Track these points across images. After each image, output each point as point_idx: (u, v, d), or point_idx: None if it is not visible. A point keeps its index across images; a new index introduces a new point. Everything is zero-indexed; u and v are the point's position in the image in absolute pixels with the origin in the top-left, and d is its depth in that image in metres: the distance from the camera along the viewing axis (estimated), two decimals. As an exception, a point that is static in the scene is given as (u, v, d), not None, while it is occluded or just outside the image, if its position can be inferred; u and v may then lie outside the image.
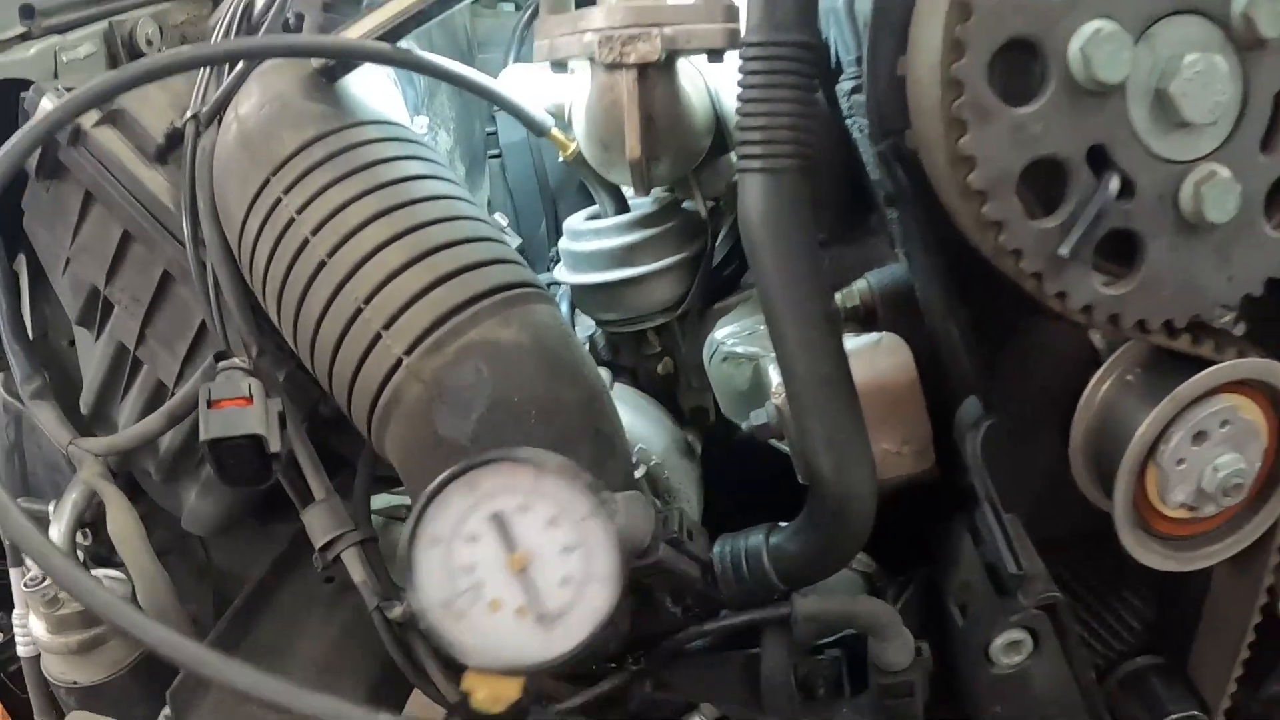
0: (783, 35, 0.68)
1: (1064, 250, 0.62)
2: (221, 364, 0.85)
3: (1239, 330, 0.78)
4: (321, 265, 0.79)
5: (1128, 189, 0.63)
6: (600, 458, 0.76)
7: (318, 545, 0.89)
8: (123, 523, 1.00)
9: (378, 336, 0.76)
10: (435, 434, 0.74)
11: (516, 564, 0.66)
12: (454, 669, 0.92)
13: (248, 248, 0.85)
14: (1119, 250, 0.65)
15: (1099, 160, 0.63)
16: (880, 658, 0.79)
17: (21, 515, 0.66)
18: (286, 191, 0.82)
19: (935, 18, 0.61)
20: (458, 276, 0.77)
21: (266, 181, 0.83)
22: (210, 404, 0.81)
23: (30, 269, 1.17)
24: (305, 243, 0.80)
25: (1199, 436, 0.73)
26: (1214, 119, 0.63)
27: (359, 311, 0.77)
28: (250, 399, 0.81)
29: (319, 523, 0.88)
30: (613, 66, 0.82)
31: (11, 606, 2.09)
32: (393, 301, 0.76)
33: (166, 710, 0.94)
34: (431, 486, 0.66)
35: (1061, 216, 0.63)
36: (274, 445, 0.81)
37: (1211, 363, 0.72)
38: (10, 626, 2.00)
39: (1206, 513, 0.77)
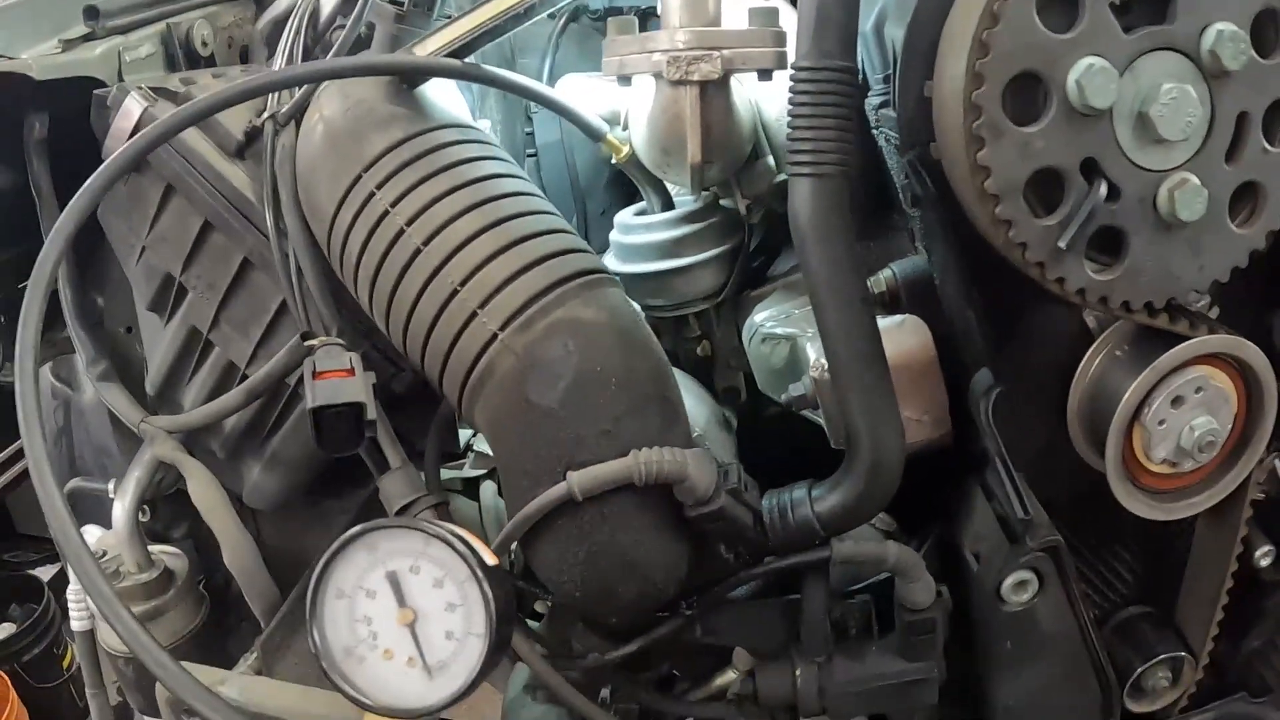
0: (828, 61, 0.86)
1: (1062, 243, 0.79)
2: (319, 340, 1.00)
3: (1213, 313, 0.98)
4: (417, 252, 0.94)
5: (1114, 193, 0.80)
6: (667, 421, 0.93)
7: (394, 509, 1.04)
8: (208, 492, 1.15)
9: (473, 315, 0.91)
10: (526, 401, 0.90)
11: (404, 618, 0.81)
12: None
13: (339, 237, 1.00)
14: (1107, 244, 0.82)
15: (1090, 170, 0.80)
16: (906, 598, 0.98)
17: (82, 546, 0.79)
18: (379, 187, 0.97)
19: (960, 53, 0.79)
20: (544, 262, 0.92)
21: (358, 178, 0.98)
22: (315, 375, 0.96)
23: (79, 258, 1.32)
24: (401, 233, 0.95)
25: (1177, 401, 0.91)
26: (1186, 136, 0.80)
27: (455, 293, 0.92)
28: (352, 370, 0.97)
29: (396, 488, 1.04)
30: (678, 83, 0.99)
31: (21, 599, 2.26)
32: (487, 284, 0.91)
33: (253, 655, 1.10)
34: (335, 545, 0.81)
35: (1060, 216, 0.80)
36: (371, 413, 0.97)
37: (1186, 339, 0.90)
38: (20, 618, 2.16)
39: (1186, 468, 0.95)
